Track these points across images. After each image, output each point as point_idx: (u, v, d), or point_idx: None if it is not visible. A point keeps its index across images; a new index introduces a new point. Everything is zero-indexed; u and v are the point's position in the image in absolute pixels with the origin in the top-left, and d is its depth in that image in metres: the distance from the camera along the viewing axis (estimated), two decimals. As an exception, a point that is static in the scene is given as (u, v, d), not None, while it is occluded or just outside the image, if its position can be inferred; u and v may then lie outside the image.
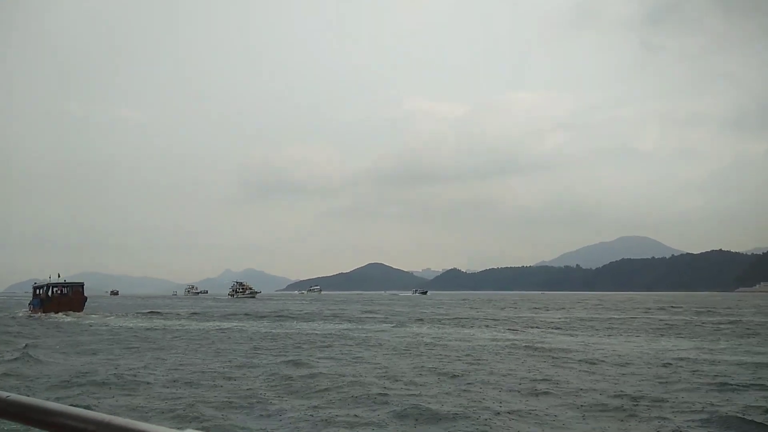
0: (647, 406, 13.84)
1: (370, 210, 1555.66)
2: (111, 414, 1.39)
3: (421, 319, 49.69)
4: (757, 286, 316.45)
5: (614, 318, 52.13)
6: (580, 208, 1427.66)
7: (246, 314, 59.94)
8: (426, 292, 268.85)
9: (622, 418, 12.76)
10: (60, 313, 56.32)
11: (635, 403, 14.02)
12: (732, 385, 16.30)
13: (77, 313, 57.51)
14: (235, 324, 45.04)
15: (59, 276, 61.83)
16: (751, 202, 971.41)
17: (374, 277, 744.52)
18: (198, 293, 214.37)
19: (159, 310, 68.18)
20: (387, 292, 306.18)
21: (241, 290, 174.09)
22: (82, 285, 64.66)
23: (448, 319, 50.91)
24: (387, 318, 53.07)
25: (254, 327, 41.55)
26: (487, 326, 41.64)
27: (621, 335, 33.94)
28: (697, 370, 19.11)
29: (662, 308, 73.73)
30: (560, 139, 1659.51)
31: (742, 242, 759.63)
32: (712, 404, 13.89)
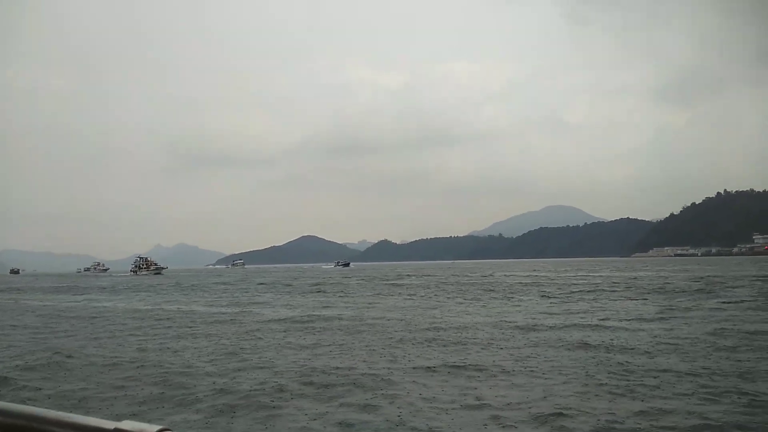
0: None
1: (306, 182, 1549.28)
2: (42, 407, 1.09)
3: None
4: (651, 251, 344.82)
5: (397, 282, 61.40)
6: (512, 179, 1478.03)
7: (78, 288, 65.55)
8: (348, 264, 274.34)
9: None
10: None
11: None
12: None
13: None
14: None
15: None
16: (669, 171, 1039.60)
17: (307, 249, 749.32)
18: (105, 270, 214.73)
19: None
20: (317, 265, 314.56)
21: (144, 266, 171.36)
22: None
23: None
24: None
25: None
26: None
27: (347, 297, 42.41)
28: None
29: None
30: (494, 110, 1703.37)
31: (654, 210, 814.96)
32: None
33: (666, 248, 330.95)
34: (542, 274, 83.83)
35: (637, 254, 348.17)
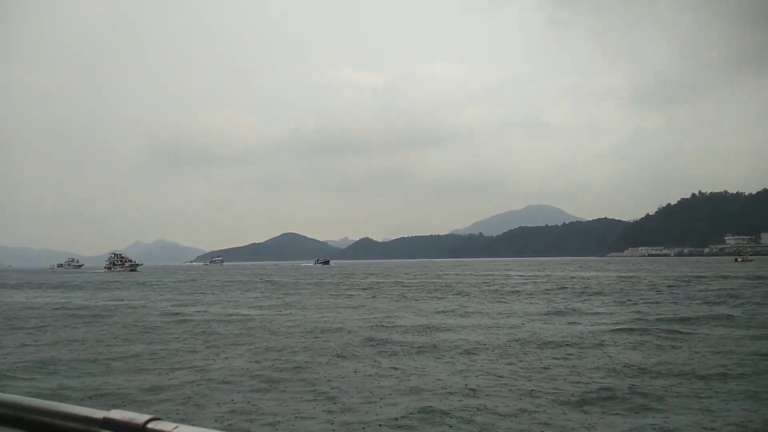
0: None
1: (288, 179, 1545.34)
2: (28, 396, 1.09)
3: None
4: (626, 251, 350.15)
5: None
6: (494, 179, 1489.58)
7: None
8: (328, 261, 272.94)
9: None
10: None
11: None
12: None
13: None
14: None
15: None
16: (647, 173, 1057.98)
17: (288, 247, 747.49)
18: (79, 266, 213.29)
19: None
20: (297, 262, 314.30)
21: (119, 263, 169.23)
22: None
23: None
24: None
25: None
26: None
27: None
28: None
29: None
30: (476, 111, 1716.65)
31: (632, 210, 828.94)
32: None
33: (640, 248, 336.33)
34: (493, 274, 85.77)
35: (612, 254, 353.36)
